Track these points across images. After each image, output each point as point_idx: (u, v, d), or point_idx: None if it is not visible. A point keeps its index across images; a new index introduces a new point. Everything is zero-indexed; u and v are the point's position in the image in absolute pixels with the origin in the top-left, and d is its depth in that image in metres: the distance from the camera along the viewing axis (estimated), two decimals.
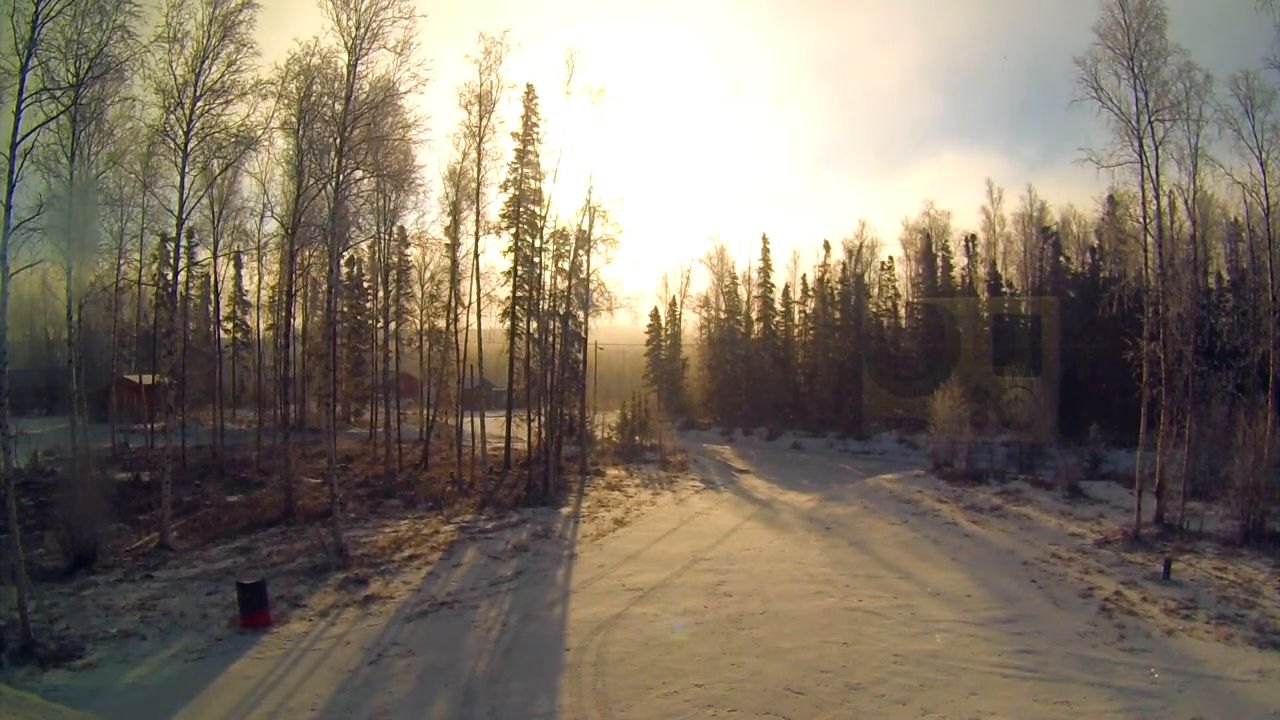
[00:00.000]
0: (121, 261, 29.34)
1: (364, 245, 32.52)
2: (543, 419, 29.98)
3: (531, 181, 30.85)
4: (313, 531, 19.61)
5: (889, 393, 44.27)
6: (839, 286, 50.63)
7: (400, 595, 16.20)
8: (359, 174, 21.39)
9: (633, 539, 22.13)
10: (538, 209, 30.88)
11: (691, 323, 56.64)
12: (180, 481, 23.33)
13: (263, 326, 39.70)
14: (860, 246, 49.45)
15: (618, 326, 38.32)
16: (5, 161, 13.96)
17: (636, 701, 11.17)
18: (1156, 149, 20.80)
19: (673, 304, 56.23)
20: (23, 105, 14.32)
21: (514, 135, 30.52)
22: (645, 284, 66.04)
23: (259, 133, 21.83)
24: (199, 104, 19.64)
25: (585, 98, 28.43)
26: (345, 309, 36.40)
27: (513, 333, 31.33)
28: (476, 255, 29.27)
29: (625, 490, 28.95)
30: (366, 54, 19.52)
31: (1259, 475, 19.16)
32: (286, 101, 21.71)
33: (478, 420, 27.45)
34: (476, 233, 29.36)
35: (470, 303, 29.89)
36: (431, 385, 35.47)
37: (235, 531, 20.54)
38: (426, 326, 35.27)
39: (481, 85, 27.71)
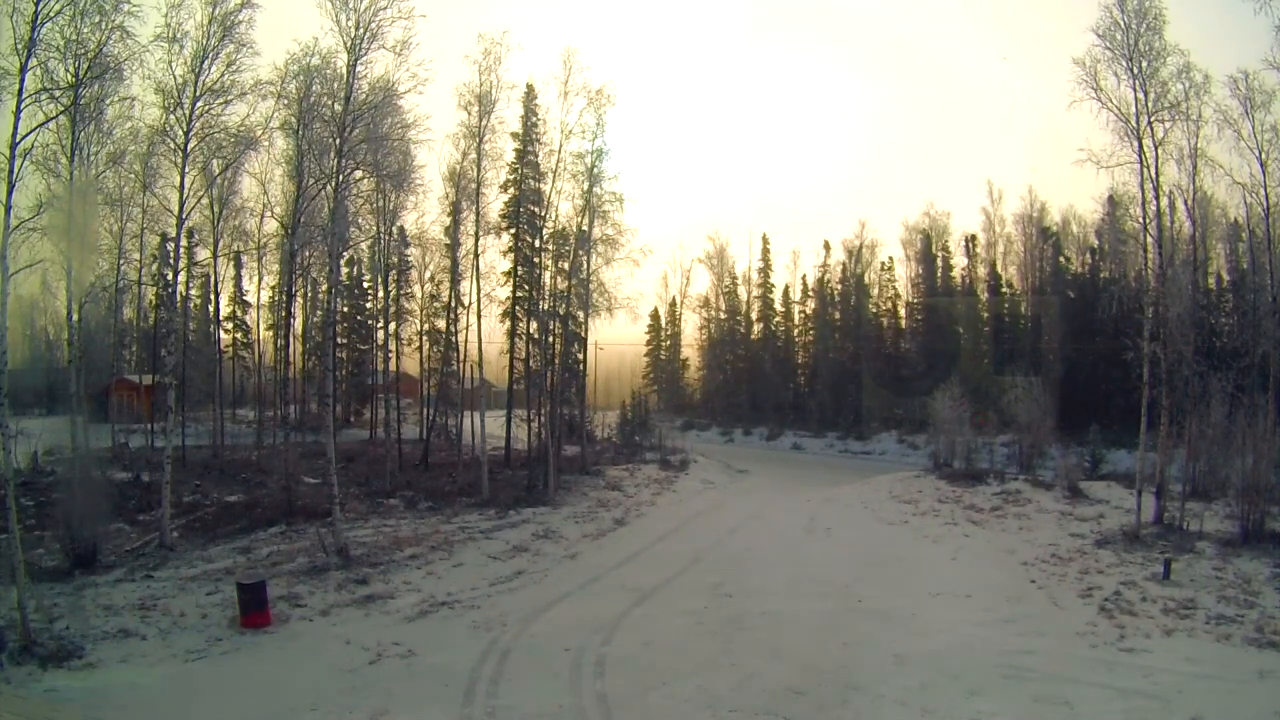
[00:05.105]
0: (121, 261, 29.17)
1: (364, 245, 32.43)
2: (543, 419, 29.98)
3: (531, 182, 30.84)
4: (313, 531, 19.59)
5: (889, 393, 44.30)
6: (839, 287, 50.66)
7: (400, 595, 16.20)
8: (359, 174, 21.34)
9: (633, 539, 22.14)
10: (537, 209, 30.87)
11: (691, 323, 56.79)
12: (180, 481, 23.28)
13: (263, 326, 39.74)
14: (860, 247, 49.51)
15: (618, 327, 38.34)
16: (5, 161, 13.92)
17: (636, 702, 11.15)
18: (1156, 149, 20.75)
19: (673, 304, 56.35)
20: (22, 105, 14.29)
21: (514, 135, 30.51)
22: (645, 284, 66.00)
23: (259, 133, 21.74)
24: (199, 104, 19.50)
25: (583, 98, 28.47)
26: (345, 309, 36.37)
27: (513, 333, 31.35)
28: (476, 255, 29.27)
29: (625, 490, 28.94)
30: (366, 54, 19.41)
31: (1259, 475, 19.13)
32: (286, 102, 21.66)
33: (477, 420, 27.45)
34: (476, 233, 29.37)
35: (470, 303, 29.94)
36: (431, 385, 35.47)
37: (235, 531, 20.50)
38: (426, 326, 35.29)
39: (481, 86, 27.69)
